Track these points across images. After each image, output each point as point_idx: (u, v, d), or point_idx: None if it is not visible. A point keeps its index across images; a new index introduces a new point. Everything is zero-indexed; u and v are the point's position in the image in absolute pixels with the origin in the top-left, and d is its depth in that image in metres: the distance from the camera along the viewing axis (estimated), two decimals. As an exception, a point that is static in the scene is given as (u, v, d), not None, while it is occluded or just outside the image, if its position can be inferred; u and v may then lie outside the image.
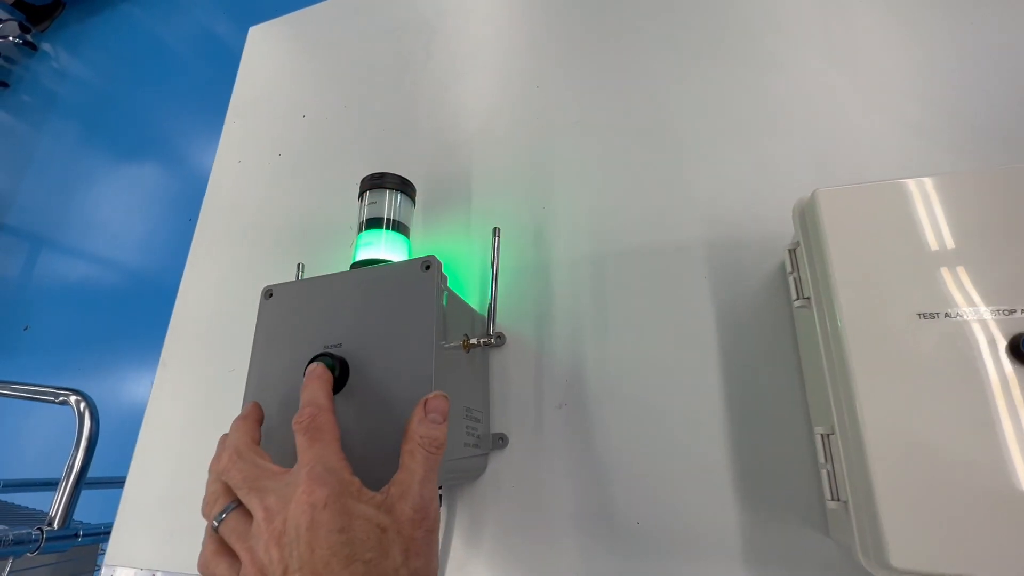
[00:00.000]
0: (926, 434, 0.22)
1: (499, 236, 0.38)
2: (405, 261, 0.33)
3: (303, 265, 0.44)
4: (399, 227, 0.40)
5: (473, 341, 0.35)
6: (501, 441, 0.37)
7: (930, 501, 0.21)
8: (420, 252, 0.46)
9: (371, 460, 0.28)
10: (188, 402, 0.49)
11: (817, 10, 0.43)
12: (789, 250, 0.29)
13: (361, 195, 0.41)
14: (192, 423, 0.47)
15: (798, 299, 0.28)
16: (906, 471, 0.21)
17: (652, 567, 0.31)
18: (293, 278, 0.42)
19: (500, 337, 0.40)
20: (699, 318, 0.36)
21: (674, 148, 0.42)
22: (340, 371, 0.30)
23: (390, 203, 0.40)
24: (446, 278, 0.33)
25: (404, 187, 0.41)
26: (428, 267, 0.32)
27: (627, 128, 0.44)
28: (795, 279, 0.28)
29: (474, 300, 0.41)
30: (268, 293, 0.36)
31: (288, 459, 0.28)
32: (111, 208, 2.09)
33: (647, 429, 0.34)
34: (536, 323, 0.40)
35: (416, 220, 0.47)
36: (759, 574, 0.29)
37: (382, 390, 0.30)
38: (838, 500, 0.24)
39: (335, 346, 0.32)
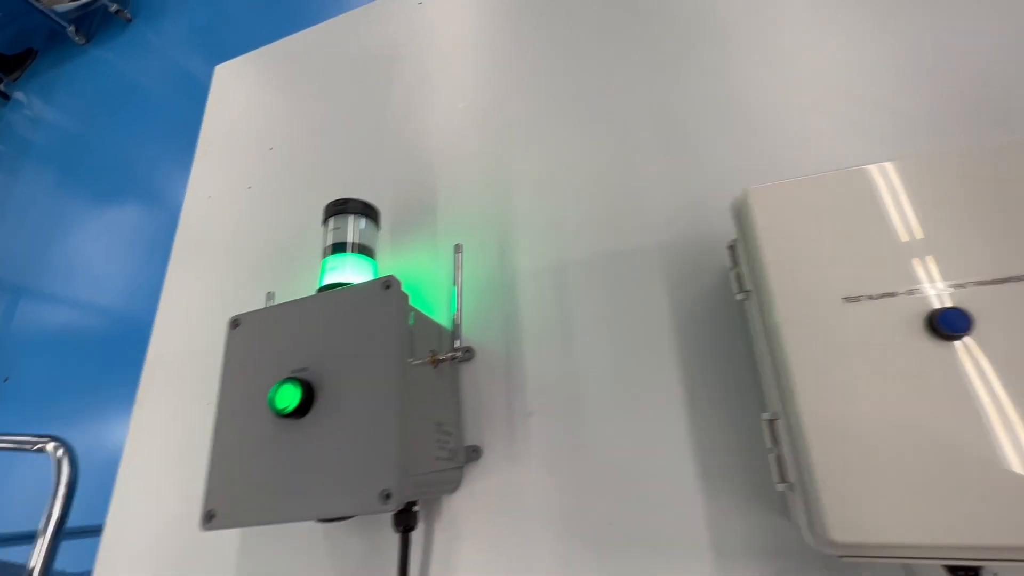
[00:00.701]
0: (857, 411, 0.23)
1: (461, 252, 0.39)
2: (366, 282, 0.34)
3: (273, 294, 0.44)
4: (364, 250, 0.41)
5: (441, 357, 0.36)
6: (475, 453, 0.38)
7: (865, 475, 0.22)
8: (389, 273, 0.47)
9: (339, 480, 0.29)
10: (166, 439, 0.48)
11: (752, 18, 0.45)
12: (729, 246, 0.30)
13: (325, 221, 0.42)
14: (170, 460, 0.47)
15: (739, 292, 0.29)
16: (842, 449, 0.22)
17: (626, 565, 0.32)
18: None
19: (469, 351, 0.41)
20: (657, 317, 0.37)
21: (626, 157, 0.44)
22: (305, 394, 0.30)
23: (354, 227, 0.41)
24: (407, 296, 0.34)
25: (367, 211, 0.42)
26: (388, 286, 0.33)
27: (581, 142, 0.46)
28: (736, 274, 0.29)
29: (443, 317, 0.42)
30: (235, 323, 0.36)
31: (257, 489, 0.29)
32: (91, 253, 2.07)
33: (613, 430, 0.35)
34: (504, 335, 0.41)
35: (385, 242, 0.48)
36: (726, 562, 0.30)
37: (348, 410, 0.30)
38: (786, 482, 0.25)
39: (301, 370, 0.32)
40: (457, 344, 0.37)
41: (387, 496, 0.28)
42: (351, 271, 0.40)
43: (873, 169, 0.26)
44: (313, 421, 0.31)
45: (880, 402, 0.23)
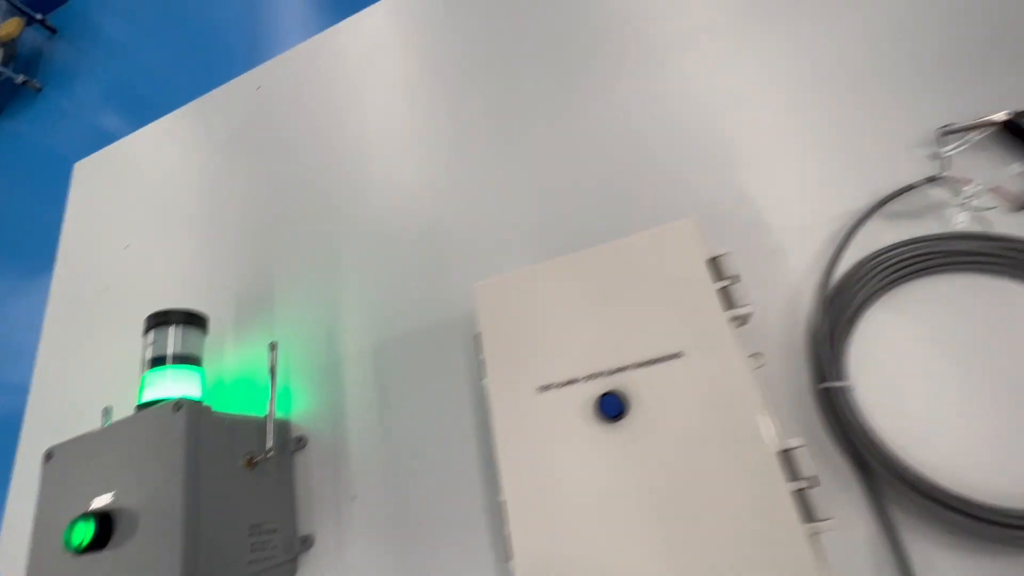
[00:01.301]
0: (547, 496, 0.26)
1: (276, 351, 0.41)
2: (159, 406, 0.35)
3: (110, 409, 0.45)
4: (186, 360, 0.42)
5: (256, 459, 0.38)
6: (305, 543, 0.39)
7: (552, 559, 0.25)
8: (229, 371, 0.49)
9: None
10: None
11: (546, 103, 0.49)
12: (475, 336, 0.33)
13: (145, 334, 0.43)
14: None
15: (483, 379, 0.32)
16: (535, 531, 0.25)
17: (435, 637, 0.34)
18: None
19: (301, 440, 0.43)
20: (460, 388, 0.40)
21: (432, 234, 0.46)
22: (98, 529, 0.32)
23: (174, 338, 0.43)
24: (209, 409, 0.36)
25: (190, 319, 0.44)
26: (179, 408, 0.34)
27: (396, 221, 0.48)
28: (480, 361, 0.32)
29: (279, 409, 0.44)
30: (48, 456, 0.37)
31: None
32: (26, 331, 2.00)
33: (425, 506, 0.37)
34: (332, 420, 0.43)
35: (229, 339, 0.50)
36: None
37: (140, 539, 0.32)
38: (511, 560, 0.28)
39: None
40: (269, 444, 0.38)
41: (171, 622, 0.29)
42: (172, 384, 0.41)
43: (561, 261, 0.29)
44: (112, 555, 0.32)
45: (564, 487, 0.25)
